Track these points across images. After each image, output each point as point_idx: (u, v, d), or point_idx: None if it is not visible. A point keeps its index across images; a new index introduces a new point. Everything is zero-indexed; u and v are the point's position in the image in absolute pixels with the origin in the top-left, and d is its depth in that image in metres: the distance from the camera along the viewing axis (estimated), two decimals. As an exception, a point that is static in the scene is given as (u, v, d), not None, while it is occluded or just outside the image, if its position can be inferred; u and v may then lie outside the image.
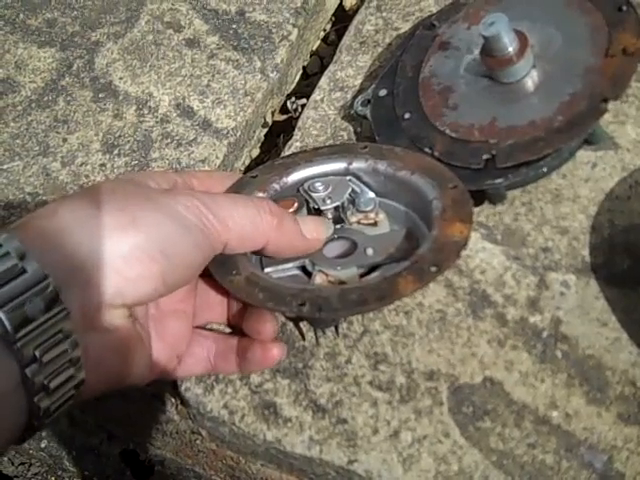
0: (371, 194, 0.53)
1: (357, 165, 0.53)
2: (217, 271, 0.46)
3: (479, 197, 0.54)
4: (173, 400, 0.57)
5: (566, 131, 0.50)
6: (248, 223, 0.44)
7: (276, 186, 0.53)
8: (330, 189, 0.51)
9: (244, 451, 0.61)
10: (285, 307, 0.43)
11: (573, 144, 0.53)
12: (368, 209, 0.51)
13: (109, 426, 0.83)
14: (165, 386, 0.55)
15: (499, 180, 0.51)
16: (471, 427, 0.47)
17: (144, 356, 0.43)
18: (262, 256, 0.49)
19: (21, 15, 0.74)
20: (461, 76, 0.57)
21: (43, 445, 0.87)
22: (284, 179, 0.53)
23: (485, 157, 0.52)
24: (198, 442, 0.68)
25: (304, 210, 0.51)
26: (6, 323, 0.33)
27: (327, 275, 0.48)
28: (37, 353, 0.34)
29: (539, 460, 0.46)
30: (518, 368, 0.49)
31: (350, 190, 0.52)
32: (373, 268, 0.49)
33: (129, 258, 0.38)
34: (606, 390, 0.47)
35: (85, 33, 0.72)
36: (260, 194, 0.52)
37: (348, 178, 0.53)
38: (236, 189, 0.52)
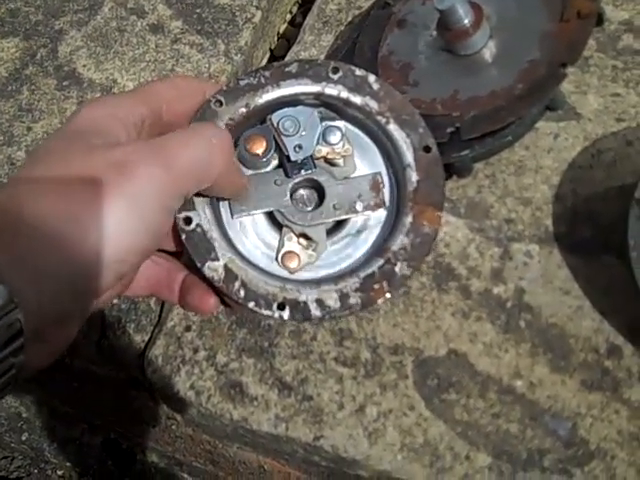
0: (341, 123, 0.51)
1: (330, 92, 0.50)
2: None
3: (446, 171, 0.54)
4: (145, 385, 0.57)
5: (527, 98, 0.50)
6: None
7: (243, 110, 0.49)
8: (301, 131, 0.49)
9: (218, 434, 0.61)
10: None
11: (535, 111, 0.53)
12: (335, 142, 0.49)
13: (89, 416, 0.83)
14: (134, 371, 0.55)
15: (465, 152, 0.51)
16: (436, 399, 0.47)
17: None
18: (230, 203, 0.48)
19: (-16, 6, 0.73)
20: (420, 52, 0.57)
21: (24, 438, 0.87)
22: (251, 105, 0.50)
23: (449, 130, 0.52)
24: (174, 427, 0.68)
25: (272, 151, 0.49)
26: None
27: (297, 237, 0.47)
28: None
29: (504, 429, 0.46)
30: (482, 339, 0.49)
31: (320, 130, 0.50)
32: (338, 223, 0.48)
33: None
34: (569, 358, 0.48)
35: (48, 22, 0.71)
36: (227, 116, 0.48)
37: (319, 112, 0.50)
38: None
